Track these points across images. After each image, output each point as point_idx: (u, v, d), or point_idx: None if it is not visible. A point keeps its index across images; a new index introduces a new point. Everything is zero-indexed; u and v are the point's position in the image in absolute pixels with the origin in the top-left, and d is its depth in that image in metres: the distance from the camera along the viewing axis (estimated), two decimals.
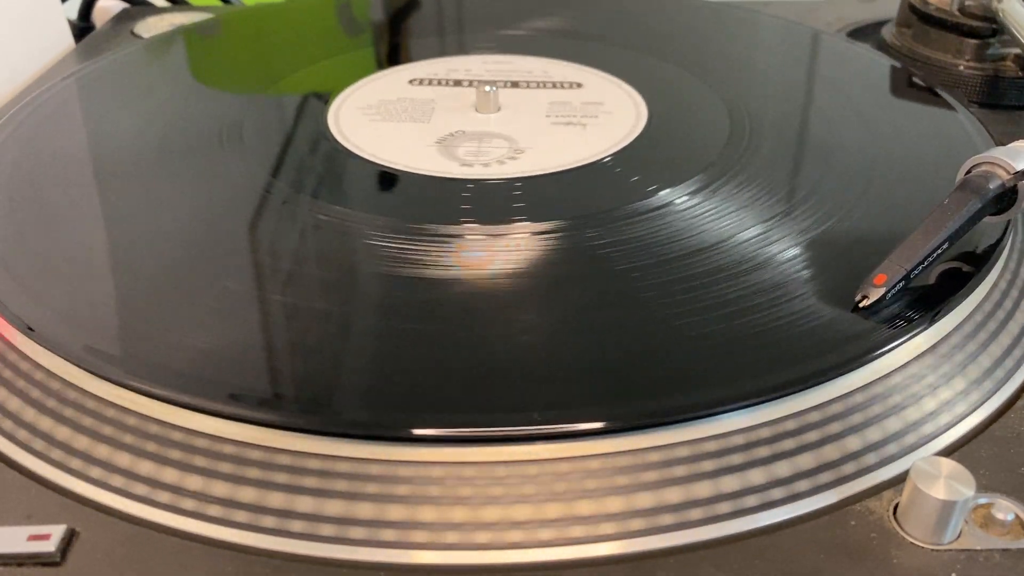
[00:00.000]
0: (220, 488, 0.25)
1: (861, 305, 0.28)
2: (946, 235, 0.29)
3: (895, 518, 0.24)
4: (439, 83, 0.46)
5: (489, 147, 0.40)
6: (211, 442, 0.25)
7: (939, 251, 0.29)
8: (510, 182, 0.36)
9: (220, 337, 0.28)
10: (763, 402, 0.26)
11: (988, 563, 0.23)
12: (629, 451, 0.24)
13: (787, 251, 0.32)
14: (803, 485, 0.25)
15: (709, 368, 0.27)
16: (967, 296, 0.30)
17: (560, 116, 0.42)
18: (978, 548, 0.23)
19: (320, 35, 0.54)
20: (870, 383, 0.27)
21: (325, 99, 0.44)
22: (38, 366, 0.28)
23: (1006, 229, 0.32)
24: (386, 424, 0.25)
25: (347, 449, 0.24)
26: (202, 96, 0.45)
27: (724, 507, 0.24)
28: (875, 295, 0.28)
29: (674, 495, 0.24)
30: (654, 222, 0.33)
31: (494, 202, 0.35)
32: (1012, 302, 0.31)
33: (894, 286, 0.28)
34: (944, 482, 0.23)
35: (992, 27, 0.47)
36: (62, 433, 0.26)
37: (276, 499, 0.24)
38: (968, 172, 0.31)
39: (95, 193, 0.36)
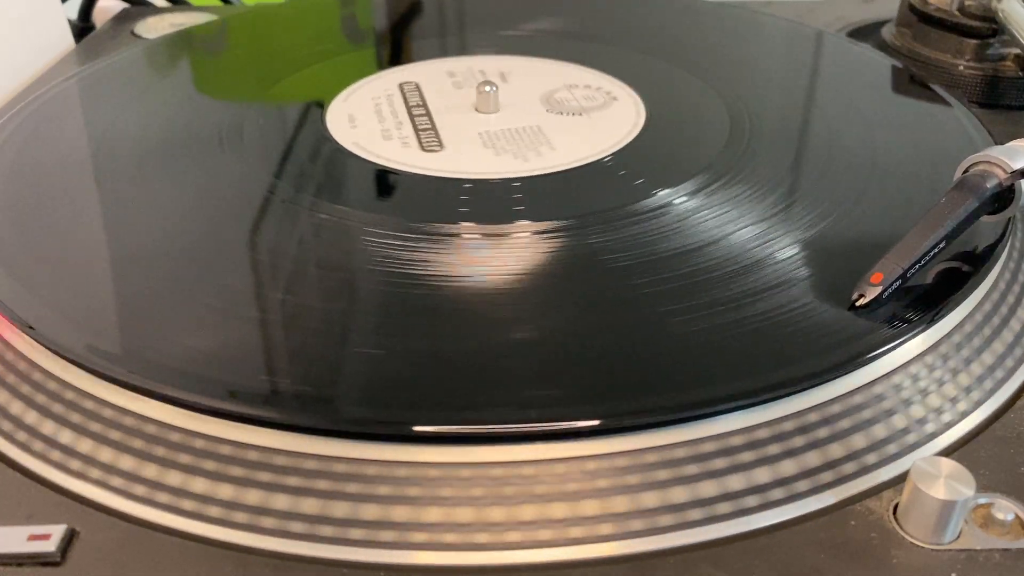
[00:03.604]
0: (220, 489, 0.25)
1: (858, 304, 0.28)
2: (943, 234, 0.29)
3: (895, 518, 0.24)
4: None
5: (583, 93, 0.43)
6: (209, 442, 0.25)
7: (936, 250, 0.29)
8: (509, 182, 0.36)
9: (218, 337, 0.28)
10: (762, 402, 0.26)
11: (988, 563, 0.23)
12: (627, 451, 0.24)
13: (786, 251, 0.32)
14: (803, 485, 0.25)
15: (708, 368, 0.27)
16: (967, 296, 0.30)
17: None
18: (978, 548, 0.23)
19: (321, 36, 0.54)
20: (870, 383, 0.27)
21: (323, 101, 0.44)
22: (36, 366, 0.28)
23: (1006, 228, 0.32)
24: (383, 422, 0.25)
25: (345, 449, 0.24)
26: (203, 96, 0.45)
27: (723, 507, 0.24)
28: (871, 294, 0.28)
29: (673, 495, 0.24)
30: (653, 222, 0.33)
31: (493, 202, 0.35)
32: (1012, 301, 0.31)
33: (891, 285, 0.28)
34: (944, 482, 0.23)
35: (992, 27, 0.47)
36: (62, 434, 0.26)
37: (275, 499, 0.24)
38: (966, 171, 0.31)
39: (95, 192, 0.36)
